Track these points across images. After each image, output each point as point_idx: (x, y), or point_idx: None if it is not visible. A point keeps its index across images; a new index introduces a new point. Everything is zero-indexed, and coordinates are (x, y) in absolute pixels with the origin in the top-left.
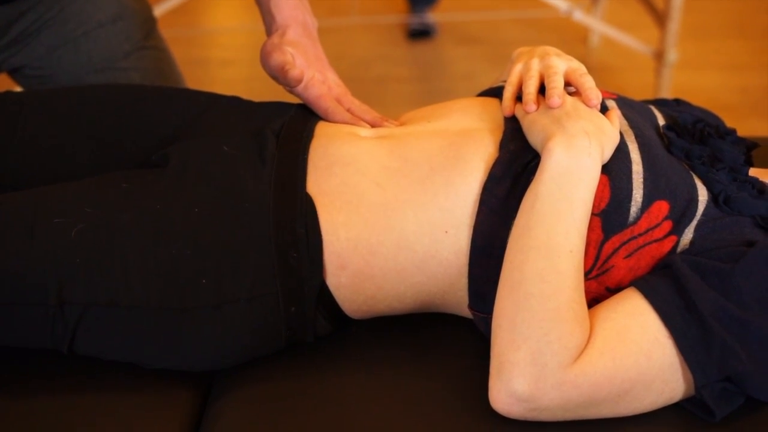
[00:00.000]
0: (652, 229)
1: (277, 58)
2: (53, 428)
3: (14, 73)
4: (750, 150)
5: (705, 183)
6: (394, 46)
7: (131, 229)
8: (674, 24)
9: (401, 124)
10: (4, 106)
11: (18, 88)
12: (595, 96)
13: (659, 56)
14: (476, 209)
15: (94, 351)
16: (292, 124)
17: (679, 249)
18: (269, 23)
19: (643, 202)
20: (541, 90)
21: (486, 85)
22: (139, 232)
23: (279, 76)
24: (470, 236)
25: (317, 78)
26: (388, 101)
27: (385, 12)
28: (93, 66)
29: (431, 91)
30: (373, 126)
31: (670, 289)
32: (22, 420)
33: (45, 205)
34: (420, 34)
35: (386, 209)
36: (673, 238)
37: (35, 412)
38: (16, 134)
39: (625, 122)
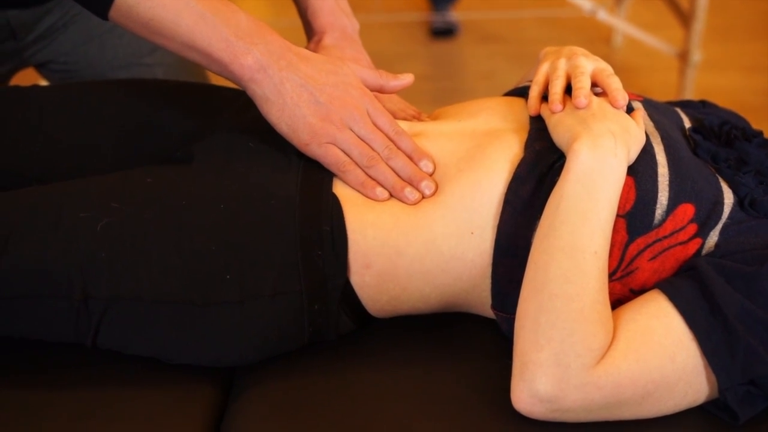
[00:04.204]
0: (677, 231)
1: None
2: (75, 421)
3: (41, 68)
4: None
5: (731, 186)
6: (416, 43)
7: (156, 225)
8: (699, 24)
9: (433, 119)
10: (29, 101)
11: (44, 83)
12: (622, 97)
13: (683, 57)
14: (501, 209)
15: (117, 345)
16: None
17: (704, 252)
18: (309, 32)
19: (669, 204)
20: (568, 90)
21: (507, 84)
22: (164, 228)
23: None
24: (494, 236)
25: None
26: (409, 99)
27: (406, 10)
28: (118, 62)
29: (452, 90)
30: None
31: (695, 292)
32: (44, 412)
33: (71, 200)
34: (443, 32)
35: (416, 210)
36: (698, 240)
37: (57, 405)
38: (41, 128)
39: (650, 124)
